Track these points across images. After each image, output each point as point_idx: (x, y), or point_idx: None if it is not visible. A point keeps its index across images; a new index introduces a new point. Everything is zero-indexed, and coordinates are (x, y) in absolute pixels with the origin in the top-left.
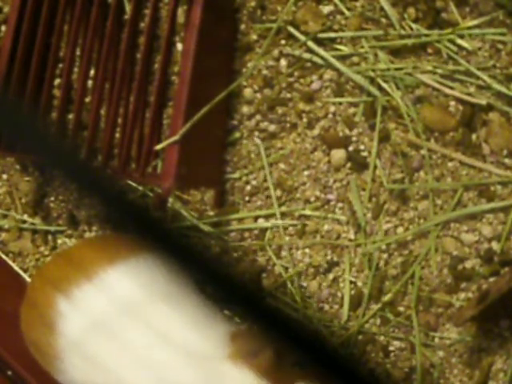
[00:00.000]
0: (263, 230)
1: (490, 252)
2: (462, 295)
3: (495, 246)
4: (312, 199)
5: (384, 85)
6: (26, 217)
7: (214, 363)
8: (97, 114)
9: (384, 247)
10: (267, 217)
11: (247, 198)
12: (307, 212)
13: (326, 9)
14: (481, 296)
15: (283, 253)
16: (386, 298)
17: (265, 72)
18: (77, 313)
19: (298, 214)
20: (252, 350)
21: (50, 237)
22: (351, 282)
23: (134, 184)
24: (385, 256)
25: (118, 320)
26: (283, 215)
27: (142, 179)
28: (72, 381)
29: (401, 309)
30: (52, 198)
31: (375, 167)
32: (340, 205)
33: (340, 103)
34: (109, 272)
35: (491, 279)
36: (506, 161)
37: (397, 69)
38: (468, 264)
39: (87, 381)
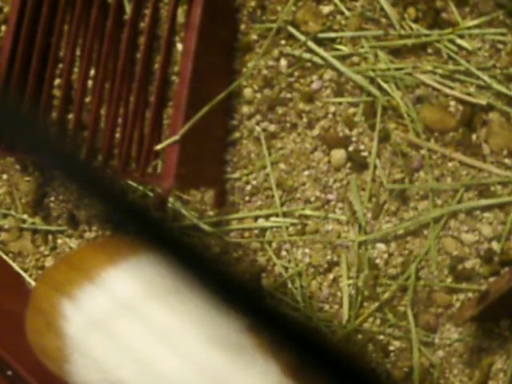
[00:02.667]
0: (263, 230)
1: (490, 252)
2: (462, 295)
3: (495, 246)
4: (312, 199)
5: (384, 85)
6: (25, 217)
7: (238, 353)
8: (97, 113)
9: (384, 247)
10: (267, 217)
11: (247, 198)
12: (307, 212)
13: (326, 9)
14: (481, 296)
15: (283, 253)
16: (385, 297)
17: (265, 72)
18: (81, 315)
19: (298, 214)
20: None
21: (50, 237)
22: (351, 283)
23: (134, 184)
24: (385, 256)
25: (122, 319)
26: (283, 215)
27: (142, 179)
28: (83, 382)
29: (401, 309)
30: (52, 198)
31: (375, 167)
32: (340, 205)
33: (340, 103)
34: (111, 272)
35: (491, 279)
36: (506, 161)
37: (397, 69)
38: (468, 264)
39: (97, 381)
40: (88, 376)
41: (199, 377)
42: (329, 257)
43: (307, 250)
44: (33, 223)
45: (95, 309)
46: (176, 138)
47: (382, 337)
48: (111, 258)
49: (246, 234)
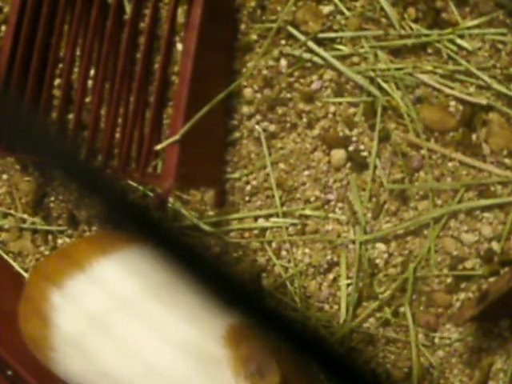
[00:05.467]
0: (263, 230)
1: (490, 252)
2: (462, 295)
3: (495, 246)
4: (312, 199)
5: (384, 85)
6: (26, 217)
7: (213, 363)
8: (97, 114)
9: (384, 247)
10: (267, 217)
11: (247, 198)
12: (307, 212)
13: (326, 9)
14: (481, 296)
15: (283, 253)
16: (385, 297)
17: (265, 72)
18: (70, 304)
19: (298, 214)
20: (259, 368)
21: (50, 237)
22: (351, 283)
23: (134, 184)
24: (385, 256)
25: (111, 311)
26: (283, 215)
27: (142, 179)
28: (67, 371)
29: (401, 309)
30: (52, 198)
31: (375, 167)
32: (340, 205)
33: (340, 103)
34: (102, 262)
35: (491, 279)
36: (506, 161)
37: (397, 69)
38: (468, 264)
39: (81, 371)
40: (72, 365)
41: (192, 373)
42: (329, 257)
43: (307, 250)
44: (33, 223)
45: (84, 298)
46: (176, 137)
47: (381, 337)
48: (104, 248)
49: (246, 234)
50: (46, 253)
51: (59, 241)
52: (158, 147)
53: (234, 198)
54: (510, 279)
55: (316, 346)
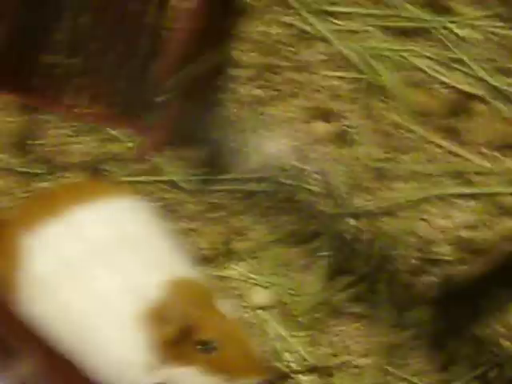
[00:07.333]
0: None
1: (459, 239)
2: (427, 278)
3: (467, 233)
4: (287, 167)
5: (375, 64)
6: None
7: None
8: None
9: (354, 222)
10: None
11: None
12: (281, 180)
13: None
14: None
15: None
16: (355, 273)
17: (258, 38)
18: (41, 248)
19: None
20: (166, 315)
21: (26, 179)
22: (324, 256)
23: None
24: (354, 231)
25: (82, 259)
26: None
27: (133, 129)
28: (30, 313)
29: (367, 286)
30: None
31: (358, 144)
32: (316, 176)
33: (329, 76)
34: (78, 210)
35: (458, 266)
36: (486, 151)
37: (391, 49)
38: (436, 248)
39: (45, 313)
40: (37, 308)
41: None
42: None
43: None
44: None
45: (55, 242)
46: (166, 95)
47: (352, 311)
48: (82, 196)
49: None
50: (22, 195)
51: (36, 184)
52: (149, 102)
53: (220, 160)
54: (478, 268)
55: None
